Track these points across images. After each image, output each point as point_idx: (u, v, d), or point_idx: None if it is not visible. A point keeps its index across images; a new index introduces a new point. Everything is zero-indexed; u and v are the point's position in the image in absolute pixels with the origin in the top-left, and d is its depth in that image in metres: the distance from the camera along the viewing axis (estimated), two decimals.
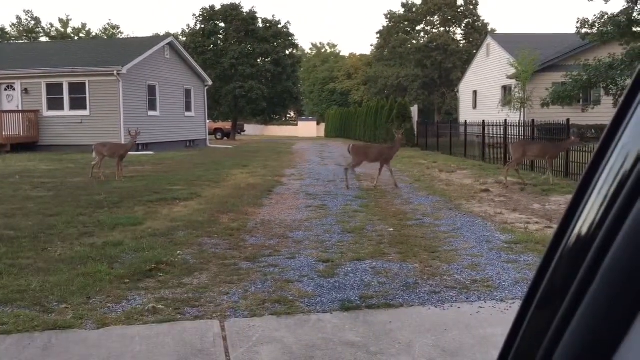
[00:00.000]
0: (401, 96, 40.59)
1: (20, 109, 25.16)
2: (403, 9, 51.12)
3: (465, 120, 24.83)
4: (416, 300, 5.03)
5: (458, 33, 50.84)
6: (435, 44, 47.13)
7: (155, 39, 31.00)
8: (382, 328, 4.40)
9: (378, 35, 53.11)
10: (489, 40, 33.84)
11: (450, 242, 7.22)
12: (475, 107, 34.81)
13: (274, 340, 4.17)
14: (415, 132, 30.16)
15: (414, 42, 49.82)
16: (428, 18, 50.17)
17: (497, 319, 4.54)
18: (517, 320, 0.71)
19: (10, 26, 55.73)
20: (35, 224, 8.26)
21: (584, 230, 0.63)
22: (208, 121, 35.68)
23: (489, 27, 49.44)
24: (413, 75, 47.49)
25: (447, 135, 24.64)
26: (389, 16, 51.61)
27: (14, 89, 25.74)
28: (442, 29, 49.79)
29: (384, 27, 52.08)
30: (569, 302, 0.60)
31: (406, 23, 50.84)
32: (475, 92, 35.20)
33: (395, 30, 50.70)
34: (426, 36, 49.87)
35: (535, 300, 0.67)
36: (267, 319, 4.59)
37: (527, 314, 0.68)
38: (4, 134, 23.30)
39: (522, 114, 24.85)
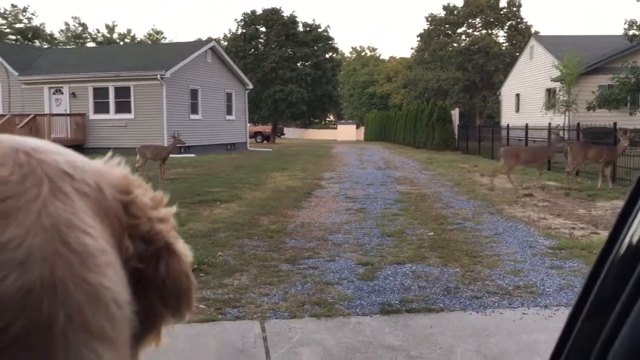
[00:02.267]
0: (442, 99, 40.20)
1: (68, 112, 25.94)
2: (444, 12, 50.70)
3: (508, 124, 24.43)
4: (457, 305, 4.98)
5: (500, 35, 50.13)
6: (476, 46, 46.54)
7: (198, 43, 31.51)
8: (423, 332, 4.38)
9: (419, 39, 52.81)
10: (533, 42, 33.22)
11: (491, 247, 7.12)
12: (518, 110, 34.21)
13: (314, 342, 4.19)
14: (456, 136, 29.83)
15: (455, 44, 49.31)
16: (470, 20, 49.60)
17: (541, 325, 4.46)
18: (565, 329, 0.71)
19: (59, 32, 57.51)
20: None
21: (635, 238, 0.63)
22: (248, 124, 36.05)
23: (533, 29, 48.58)
24: (454, 78, 46.99)
25: (488, 139, 24.28)
26: (429, 19, 51.25)
27: (62, 93, 26.55)
28: (484, 31, 49.14)
29: (424, 30, 51.75)
30: (618, 311, 0.60)
31: (447, 26, 50.39)
32: (518, 95, 34.60)
33: (436, 33, 50.30)
34: (468, 39, 49.30)
35: (585, 309, 0.67)
36: (306, 321, 4.62)
37: (576, 323, 0.68)
38: (52, 136, 24.04)
39: (566, 117, 24.32)
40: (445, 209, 10.26)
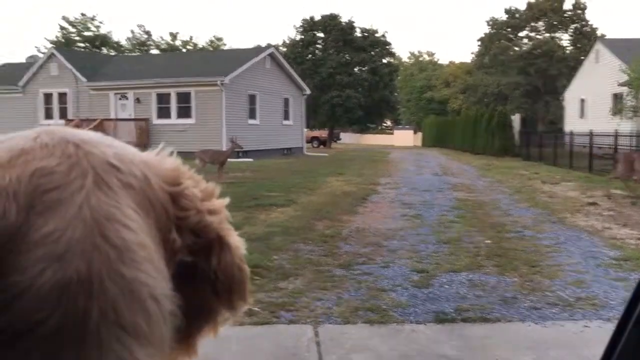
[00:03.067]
0: (502, 105, 39.36)
1: (132, 117, 26.87)
2: (506, 15, 49.65)
3: (571, 130, 23.68)
4: (515, 316, 4.85)
5: (564, 39, 48.63)
6: (539, 50, 45.32)
7: (257, 50, 32.00)
8: (479, 343, 4.29)
9: (479, 43, 51.89)
10: (598, 45, 32.09)
11: (552, 257, 6.91)
12: (582, 116, 33.10)
13: (367, 349, 4.17)
14: (516, 142, 29.12)
15: (517, 48, 48.18)
16: (532, 24, 48.35)
17: (603, 339, 4.25)
18: (614, 336, 0.69)
19: (125, 40, 59.57)
20: None
21: None
22: (305, 129, 36.28)
23: (598, 32, 46.89)
24: (515, 83, 45.87)
25: (550, 145, 23.58)
26: (491, 22, 50.31)
27: (127, 99, 27.51)
28: (547, 34, 47.82)
29: (485, 34, 50.80)
30: None
31: (509, 29, 49.29)
32: (582, 101, 33.47)
33: (497, 37, 49.28)
34: (530, 42, 48.08)
35: (633, 317, 0.65)
36: (360, 327, 4.61)
37: (625, 331, 0.66)
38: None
39: (635, 123, 23.34)
40: (503, 216, 10.03)
